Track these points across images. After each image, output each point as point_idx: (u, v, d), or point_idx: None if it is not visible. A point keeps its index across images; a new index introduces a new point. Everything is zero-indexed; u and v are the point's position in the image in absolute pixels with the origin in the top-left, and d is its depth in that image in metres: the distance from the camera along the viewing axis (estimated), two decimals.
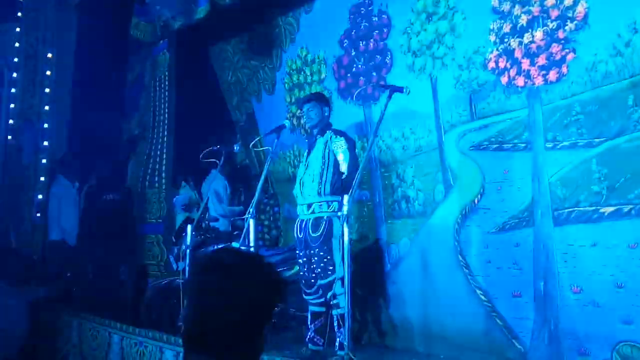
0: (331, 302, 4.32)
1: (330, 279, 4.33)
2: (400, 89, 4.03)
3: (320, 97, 4.72)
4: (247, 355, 1.51)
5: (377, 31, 5.39)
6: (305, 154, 4.64)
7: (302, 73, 6.21)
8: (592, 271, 3.70)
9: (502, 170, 4.28)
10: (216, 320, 1.45)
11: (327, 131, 4.55)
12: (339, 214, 4.06)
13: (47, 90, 7.50)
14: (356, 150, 4.57)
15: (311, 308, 4.53)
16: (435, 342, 4.60)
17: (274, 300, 1.56)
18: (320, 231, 4.38)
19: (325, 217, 4.39)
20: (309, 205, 4.47)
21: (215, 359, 1.45)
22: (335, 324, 4.28)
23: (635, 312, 3.47)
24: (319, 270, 4.38)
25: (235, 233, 5.90)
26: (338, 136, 4.50)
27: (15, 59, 7.81)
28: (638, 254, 3.48)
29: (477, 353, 4.28)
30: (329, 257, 4.36)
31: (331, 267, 4.34)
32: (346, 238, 3.82)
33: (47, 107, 7.47)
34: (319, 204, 4.42)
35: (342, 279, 4.10)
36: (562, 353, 3.84)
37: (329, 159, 4.44)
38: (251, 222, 4.50)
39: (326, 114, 4.61)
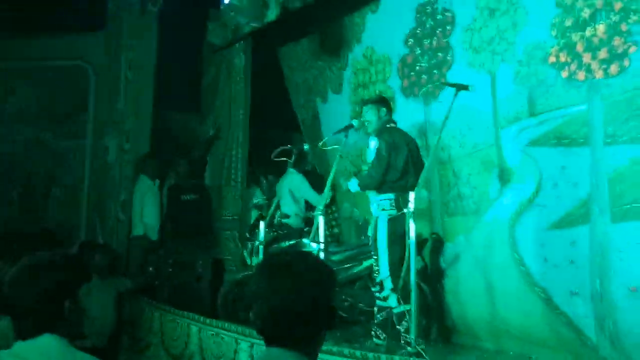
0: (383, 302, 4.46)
1: (380, 278, 4.48)
2: (465, 87, 4.12)
3: (377, 100, 4.85)
4: (312, 346, 1.68)
5: (440, 29, 5.40)
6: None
7: (367, 72, 6.28)
8: None
9: (559, 166, 4.20)
10: (285, 317, 1.63)
11: (380, 131, 4.67)
12: (403, 211, 4.12)
13: (129, 93, 7.96)
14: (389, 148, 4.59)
15: (377, 302, 4.63)
16: (502, 338, 4.58)
17: (331, 292, 1.71)
18: (372, 231, 4.58)
19: (375, 217, 4.56)
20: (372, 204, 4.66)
21: (285, 349, 1.63)
22: (396, 320, 4.37)
23: None
24: (376, 268, 4.54)
25: (305, 229, 6.06)
26: (379, 136, 4.64)
27: (100, 65, 8.32)
28: None
29: (546, 349, 4.23)
30: (376, 257, 4.52)
31: (377, 268, 4.50)
32: (412, 235, 3.90)
33: (129, 110, 7.92)
34: (373, 204, 4.62)
35: (390, 280, 4.28)
36: (627, 351, 3.73)
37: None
38: (320, 218, 4.63)
39: (382, 115, 4.71)
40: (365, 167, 4.73)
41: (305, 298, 1.63)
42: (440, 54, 5.37)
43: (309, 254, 1.88)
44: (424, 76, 5.52)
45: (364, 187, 4.67)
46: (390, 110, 4.82)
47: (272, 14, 6.82)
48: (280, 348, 1.63)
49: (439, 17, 5.43)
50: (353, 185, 4.72)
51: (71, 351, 1.94)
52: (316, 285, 1.66)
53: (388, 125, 4.70)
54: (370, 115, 4.71)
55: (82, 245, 7.17)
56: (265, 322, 1.66)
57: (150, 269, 7.10)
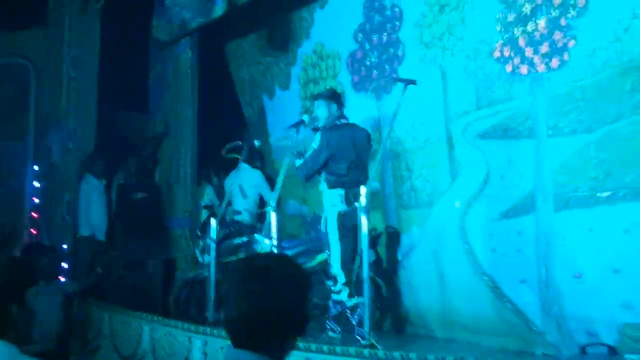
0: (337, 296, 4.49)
1: (333, 272, 4.53)
2: (413, 82, 4.17)
3: (328, 95, 4.84)
4: (280, 351, 1.65)
5: (389, 24, 5.46)
6: None
7: (317, 68, 6.30)
8: (590, 256, 3.73)
9: (506, 158, 4.33)
10: (254, 321, 1.60)
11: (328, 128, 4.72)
12: (354, 206, 4.10)
13: (72, 91, 7.76)
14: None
15: (332, 296, 4.64)
16: (453, 328, 4.68)
17: (305, 299, 1.68)
18: (324, 226, 4.62)
19: (326, 213, 4.62)
20: None
21: (257, 353, 1.59)
22: (349, 313, 4.40)
23: (633, 296, 3.49)
24: (330, 262, 4.61)
25: (257, 226, 6.03)
26: (322, 131, 4.68)
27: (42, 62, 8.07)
28: (632, 238, 3.50)
29: (495, 337, 4.34)
30: (329, 252, 4.58)
31: (330, 262, 4.56)
32: (364, 229, 3.89)
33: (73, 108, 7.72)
34: (325, 199, 4.70)
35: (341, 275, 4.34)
36: (572, 335, 3.86)
37: None
38: (273, 215, 4.63)
39: (333, 110, 4.72)
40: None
41: (276, 304, 1.60)
42: (391, 49, 5.43)
43: (286, 258, 1.83)
44: (375, 71, 5.58)
45: (299, 173, 4.73)
46: (341, 106, 4.82)
47: (219, 10, 6.76)
48: (246, 351, 1.60)
49: (387, 12, 5.49)
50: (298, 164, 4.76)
51: (21, 357, 1.89)
52: (289, 291, 1.63)
53: (338, 122, 4.71)
54: (321, 110, 4.72)
55: (27, 248, 6.97)
56: (234, 324, 1.63)
57: (99, 269, 6.95)
